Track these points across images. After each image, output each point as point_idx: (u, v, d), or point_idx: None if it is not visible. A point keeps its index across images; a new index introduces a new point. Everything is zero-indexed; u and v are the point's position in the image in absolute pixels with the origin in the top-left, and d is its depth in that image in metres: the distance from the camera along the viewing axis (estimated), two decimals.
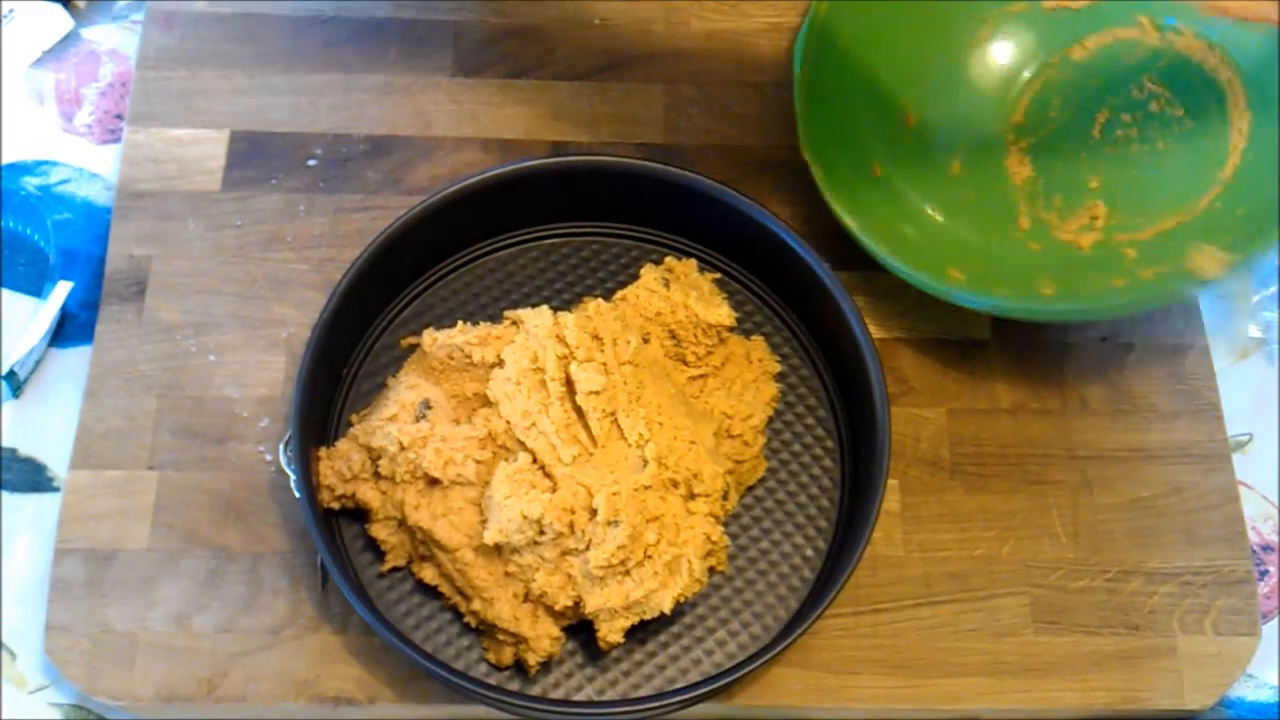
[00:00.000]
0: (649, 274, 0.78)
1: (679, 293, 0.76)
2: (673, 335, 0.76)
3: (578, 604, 0.68)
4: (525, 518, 0.66)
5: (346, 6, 0.89)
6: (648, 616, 0.68)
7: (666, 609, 0.68)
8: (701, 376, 0.76)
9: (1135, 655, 0.73)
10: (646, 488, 0.68)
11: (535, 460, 0.69)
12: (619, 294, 0.77)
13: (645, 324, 0.76)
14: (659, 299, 0.76)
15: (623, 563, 0.67)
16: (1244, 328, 0.85)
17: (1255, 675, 0.75)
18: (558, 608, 0.68)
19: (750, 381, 0.77)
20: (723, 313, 0.76)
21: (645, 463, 0.69)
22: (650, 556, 0.68)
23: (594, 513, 0.67)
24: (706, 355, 0.76)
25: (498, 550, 0.68)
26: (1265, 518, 0.80)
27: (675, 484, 0.70)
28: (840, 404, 0.77)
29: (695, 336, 0.76)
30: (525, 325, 0.73)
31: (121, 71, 0.88)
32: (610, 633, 0.68)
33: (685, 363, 0.76)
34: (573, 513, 0.67)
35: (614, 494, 0.67)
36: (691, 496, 0.70)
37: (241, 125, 0.84)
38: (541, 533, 0.67)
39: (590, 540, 0.67)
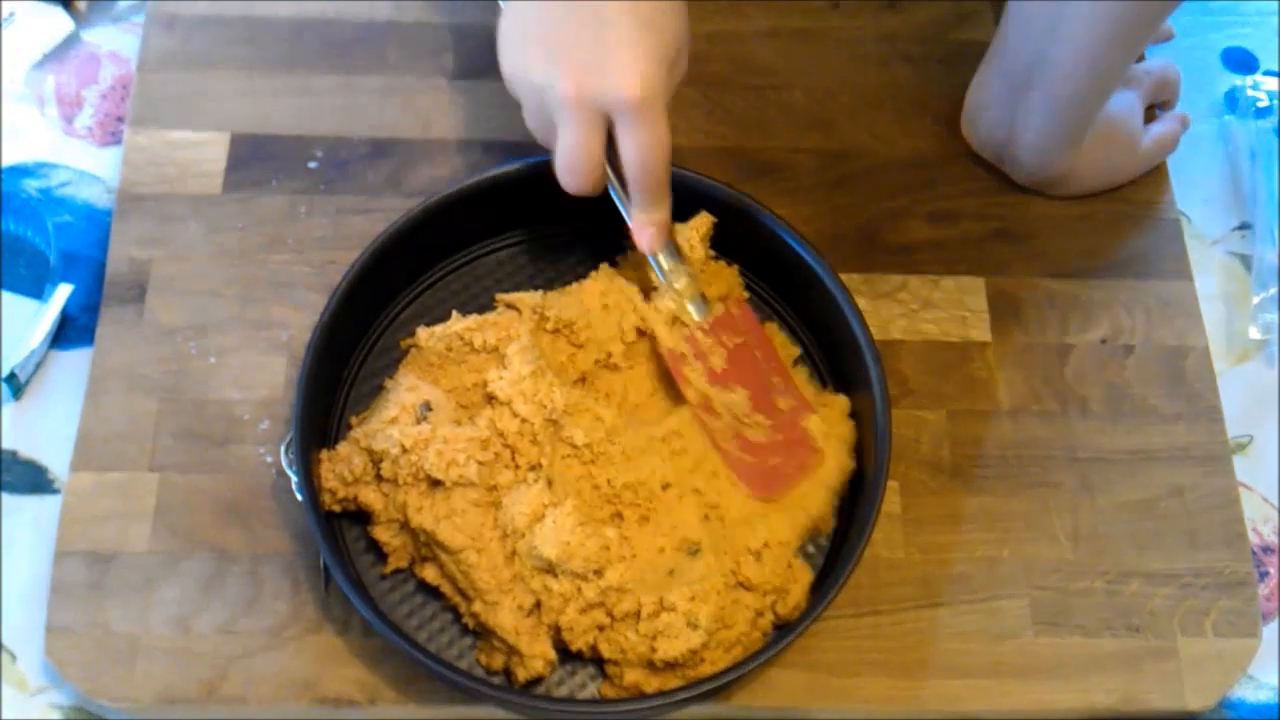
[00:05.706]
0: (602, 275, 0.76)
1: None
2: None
3: (593, 646, 0.68)
4: (607, 549, 0.66)
5: (347, 9, 0.89)
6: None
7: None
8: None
9: (1136, 657, 0.73)
10: (728, 587, 0.68)
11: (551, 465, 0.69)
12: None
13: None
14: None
15: (692, 655, 0.67)
16: (1244, 330, 0.85)
17: (1256, 677, 0.75)
18: (572, 647, 0.68)
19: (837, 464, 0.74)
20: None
21: (697, 550, 0.68)
22: (713, 662, 0.68)
23: (668, 605, 0.67)
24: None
25: (513, 555, 0.68)
26: (1265, 519, 0.80)
27: (748, 586, 0.69)
28: None
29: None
30: (524, 309, 0.74)
31: (122, 74, 0.88)
32: (623, 692, 0.68)
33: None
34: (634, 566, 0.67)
35: (697, 595, 0.67)
36: (777, 621, 0.70)
37: (242, 127, 0.84)
38: (597, 572, 0.66)
39: (658, 630, 0.66)
